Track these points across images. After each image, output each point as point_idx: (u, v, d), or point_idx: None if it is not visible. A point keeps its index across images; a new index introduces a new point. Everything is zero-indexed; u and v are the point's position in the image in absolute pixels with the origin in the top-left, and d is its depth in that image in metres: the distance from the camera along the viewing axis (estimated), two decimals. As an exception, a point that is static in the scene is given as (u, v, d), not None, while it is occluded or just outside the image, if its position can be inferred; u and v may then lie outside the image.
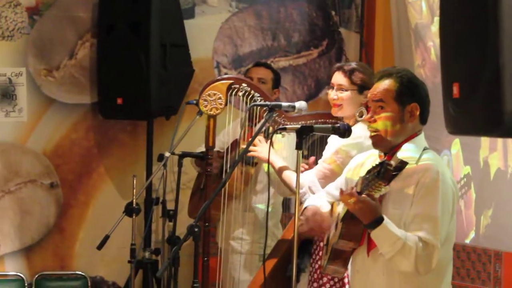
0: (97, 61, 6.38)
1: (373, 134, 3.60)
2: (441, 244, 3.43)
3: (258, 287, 4.71)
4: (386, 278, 3.53)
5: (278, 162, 4.66)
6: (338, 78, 4.54)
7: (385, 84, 3.59)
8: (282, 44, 6.82)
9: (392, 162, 3.34)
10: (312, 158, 4.74)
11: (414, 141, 3.59)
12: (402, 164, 3.38)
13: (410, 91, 3.57)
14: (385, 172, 3.26)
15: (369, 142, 4.29)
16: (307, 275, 4.57)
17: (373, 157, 3.70)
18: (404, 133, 3.58)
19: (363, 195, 3.39)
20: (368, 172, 3.36)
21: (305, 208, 3.92)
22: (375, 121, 3.58)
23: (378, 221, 3.39)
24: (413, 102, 3.57)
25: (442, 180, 3.46)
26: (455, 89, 3.31)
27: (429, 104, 3.65)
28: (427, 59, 6.05)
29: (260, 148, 4.75)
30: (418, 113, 3.58)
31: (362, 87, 4.45)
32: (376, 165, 3.32)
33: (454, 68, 3.34)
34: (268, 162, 4.47)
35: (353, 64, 4.54)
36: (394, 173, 3.36)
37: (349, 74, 4.49)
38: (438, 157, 3.68)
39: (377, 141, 3.60)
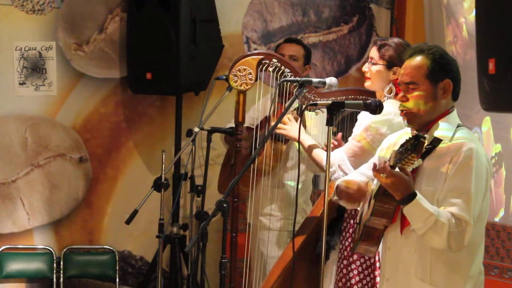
0: (127, 35, 6.37)
1: (404, 112, 3.56)
2: (474, 221, 3.41)
3: (286, 264, 4.70)
4: (418, 255, 3.52)
5: (307, 140, 4.63)
6: (372, 51, 4.53)
7: (417, 61, 3.55)
8: (312, 20, 6.77)
9: (427, 136, 3.30)
10: (339, 134, 4.72)
11: (448, 119, 3.56)
12: (436, 142, 3.35)
13: (442, 68, 3.54)
14: (418, 145, 3.23)
15: (399, 119, 4.26)
16: (336, 252, 4.56)
17: (405, 136, 3.67)
18: (437, 110, 3.55)
19: (396, 170, 3.36)
20: (402, 145, 3.33)
21: (337, 186, 3.89)
22: (407, 100, 3.55)
23: (411, 196, 3.37)
24: (446, 78, 3.54)
25: (476, 157, 3.43)
26: (491, 65, 3.27)
27: (460, 80, 3.61)
28: (458, 36, 5.98)
29: (289, 127, 4.72)
30: (451, 88, 3.54)
31: (391, 64, 4.42)
32: (410, 138, 3.29)
33: (490, 44, 3.30)
34: (298, 141, 4.43)
35: (390, 40, 4.50)
36: (428, 146, 3.34)
37: (379, 48, 4.46)
38: (472, 134, 3.65)
39: (410, 118, 3.56)
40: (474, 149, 3.45)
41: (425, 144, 3.28)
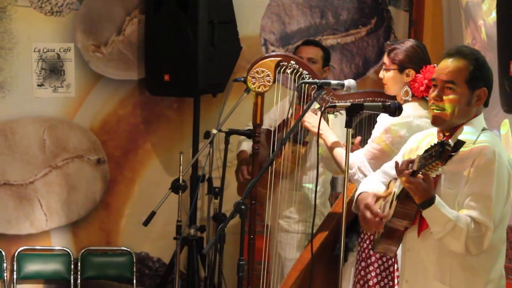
0: (145, 37, 6.38)
1: (436, 112, 3.52)
2: (495, 225, 3.39)
3: (304, 266, 4.69)
4: (437, 257, 3.51)
5: (331, 137, 4.60)
6: (384, 57, 4.52)
7: (459, 63, 3.49)
8: (330, 22, 6.76)
9: (451, 142, 3.27)
10: (358, 138, 4.69)
11: (473, 123, 3.52)
12: (459, 144, 3.32)
13: (482, 76, 3.50)
14: (443, 152, 3.20)
15: (418, 121, 4.24)
16: (355, 254, 4.55)
17: (430, 137, 3.64)
18: (467, 116, 3.52)
19: (416, 177, 3.33)
20: (426, 151, 3.31)
21: (359, 194, 3.86)
22: (441, 100, 3.51)
23: (430, 201, 3.35)
24: (483, 87, 3.50)
25: (498, 161, 3.40)
26: (512, 67, 3.25)
27: (492, 88, 3.57)
28: (477, 38, 5.95)
29: (312, 119, 4.70)
30: (485, 97, 3.50)
31: (402, 67, 4.40)
32: (435, 144, 3.26)
33: (511, 46, 3.27)
34: (317, 141, 4.41)
35: (400, 43, 4.47)
36: (452, 154, 3.31)
37: (389, 53, 4.45)
38: (496, 138, 3.61)
39: (438, 120, 3.52)
40: (496, 152, 3.42)
41: (450, 151, 3.25)
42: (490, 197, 3.38)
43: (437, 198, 3.37)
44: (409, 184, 3.36)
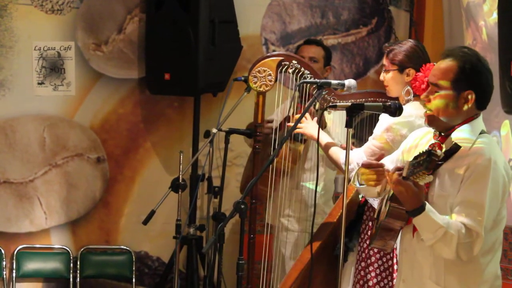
0: (146, 36, 6.37)
1: (428, 112, 3.54)
2: (486, 231, 3.40)
3: (303, 266, 4.69)
4: (433, 258, 3.52)
5: (324, 138, 4.63)
6: (384, 58, 4.53)
7: (446, 65, 3.51)
8: (331, 22, 6.76)
9: (439, 152, 3.26)
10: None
11: (471, 124, 3.52)
12: (456, 147, 3.33)
13: (468, 79, 3.48)
14: (430, 162, 3.21)
15: (420, 121, 4.26)
16: (355, 254, 4.55)
17: (429, 135, 3.65)
18: (459, 117, 3.52)
19: (406, 181, 3.34)
20: (415, 158, 3.31)
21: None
22: (429, 101, 3.53)
23: (420, 209, 3.36)
24: (469, 89, 3.49)
25: (493, 168, 3.41)
26: (513, 68, 3.25)
27: (490, 91, 3.56)
28: (478, 39, 5.95)
29: (305, 125, 4.72)
30: (473, 100, 3.50)
31: (402, 66, 4.41)
32: (423, 152, 3.27)
33: (512, 46, 3.28)
34: (317, 140, 4.42)
35: (398, 44, 4.48)
36: (447, 151, 3.31)
37: (388, 54, 4.47)
38: (494, 143, 3.59)
39: (430, 120, 3.55)
40: (492, 159, 3.42)
41: (437, 161, 3.27)
42: (483, 204, 3.38)
43: (427, 205, 3.38)
44: (399, 187, 3.36)
